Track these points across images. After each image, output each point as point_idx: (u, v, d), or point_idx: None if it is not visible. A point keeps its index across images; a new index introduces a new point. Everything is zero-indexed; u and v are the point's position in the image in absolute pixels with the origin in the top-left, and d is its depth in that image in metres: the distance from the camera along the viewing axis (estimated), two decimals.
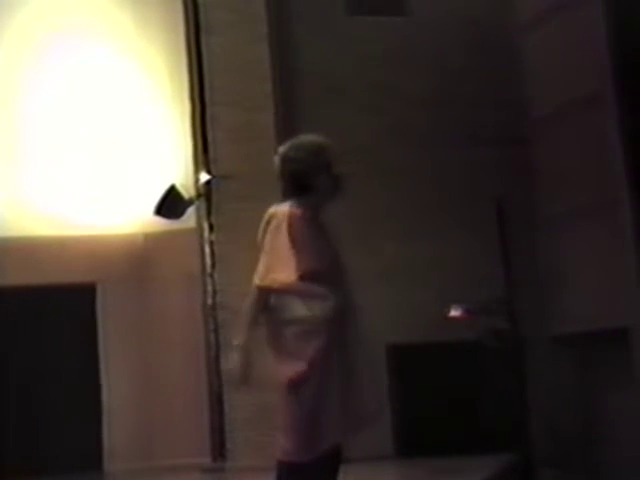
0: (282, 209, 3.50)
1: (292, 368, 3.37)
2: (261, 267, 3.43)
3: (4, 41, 10.10)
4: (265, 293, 3.44)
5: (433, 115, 10.07)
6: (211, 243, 9.48)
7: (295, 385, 3.37)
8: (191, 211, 9.71)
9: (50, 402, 9.42)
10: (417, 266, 9.65)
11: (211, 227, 9.52)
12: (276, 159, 3.66)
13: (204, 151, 9.69)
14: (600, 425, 9.51)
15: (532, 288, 9.64)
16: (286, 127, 9.33)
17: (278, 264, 3.37)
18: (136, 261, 9.82)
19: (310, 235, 3.46)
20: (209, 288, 9.41)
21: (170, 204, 9.54)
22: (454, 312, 8.92)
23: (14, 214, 9.71)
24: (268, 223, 3.49)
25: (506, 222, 9.24)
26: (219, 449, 9.12)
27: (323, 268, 3.44)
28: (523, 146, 10.17)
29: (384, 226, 9.66)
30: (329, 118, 9.48)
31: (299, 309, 3.39)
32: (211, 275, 9.40)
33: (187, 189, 9.70)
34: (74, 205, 9.91)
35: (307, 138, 3.69)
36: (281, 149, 3.68)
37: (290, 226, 3.41)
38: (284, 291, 3.39)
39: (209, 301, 9.40)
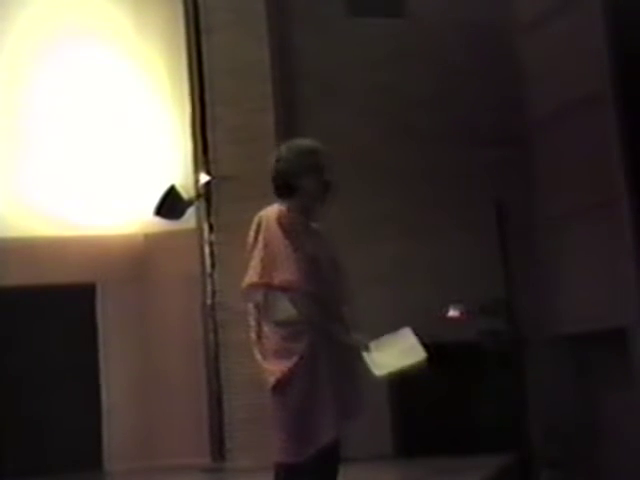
0: (271, 209, 3.49)
1: (278, 368, 3.36)
2: (257, 265, 3.40)
3: (5, 42, 10.09)
4: (263, 290, 3.41)
5: (433, 116, 10.07)
6: (211, 244, 9.49)
7: (281, 385, 3.36)
8: (191, 212, 9.70)
9: (50, 402, 9.41)
10: (417, 266, 9.65)
11: (211, 228, 9.53)
12: (271, 160, 3.68)
13: (204, 152, 9.70)
14: (600, 425, 9.51)
15: (532, 288, 9.64)
16: (286, 128, 9.34)
17: (277, 261, 3.36)
18: (136, 261, 9.82)
19: (298, 236, 3.44)
20: (209, 288, 9.42)
21: (170, 205, 9.53)
22: (452, 312, 8.94)
23: (14, 214, 9.70)
24: (259, 225, 3.47)
25: (506, 222, 9.25)
26: (218, 449, 9.12)
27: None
28: (523, 147, 10.18)
29: (384, 226, 9.66)
30: (328, 119, 9.50)
31: (288, 309, 3.37)
32: (211, 275, 9.42)
33: (187, 190, 9.69)
34: (74, 205, 9.90)
35: (299, 141, 3.68)
36: (275, 151, 3.70)
37: (281, 224, 3.41)
38: (284, 289, 3.36)
39: (209, 301, 9.41)
